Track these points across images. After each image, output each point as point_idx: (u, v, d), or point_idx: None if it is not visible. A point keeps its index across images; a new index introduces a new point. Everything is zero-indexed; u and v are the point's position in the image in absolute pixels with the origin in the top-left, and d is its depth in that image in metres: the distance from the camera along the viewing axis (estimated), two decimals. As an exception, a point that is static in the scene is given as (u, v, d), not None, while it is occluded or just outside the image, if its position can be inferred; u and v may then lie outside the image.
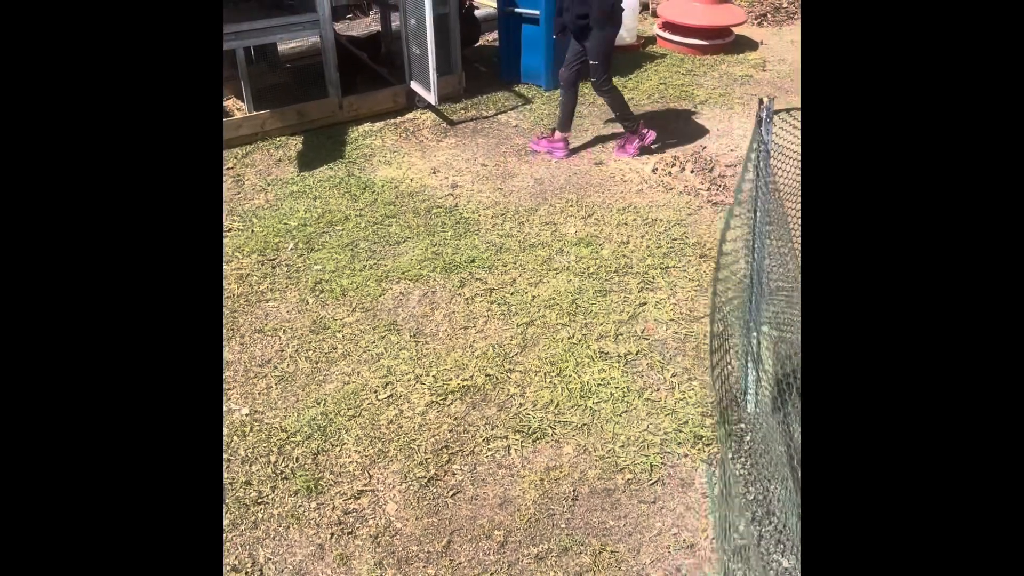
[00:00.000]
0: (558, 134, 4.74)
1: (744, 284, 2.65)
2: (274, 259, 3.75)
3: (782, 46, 6.87)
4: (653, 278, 3.51)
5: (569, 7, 4.36)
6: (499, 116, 5.42)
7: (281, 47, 6.29)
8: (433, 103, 5.15)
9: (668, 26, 6.70)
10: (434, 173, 4.59)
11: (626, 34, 6.59)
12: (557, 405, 2.78)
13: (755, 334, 2.59)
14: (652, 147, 4.75)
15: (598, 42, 4.37)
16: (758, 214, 2.42)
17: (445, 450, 2.62)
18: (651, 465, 2.53)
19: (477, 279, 3.55)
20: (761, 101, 2.26)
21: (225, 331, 3.22)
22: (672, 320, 3.22)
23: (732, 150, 4.79)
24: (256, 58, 5.92)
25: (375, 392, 2.88)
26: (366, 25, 7.61)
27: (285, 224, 4.04)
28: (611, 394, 2.81)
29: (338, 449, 2.64)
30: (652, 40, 6.88)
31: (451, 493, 2.47)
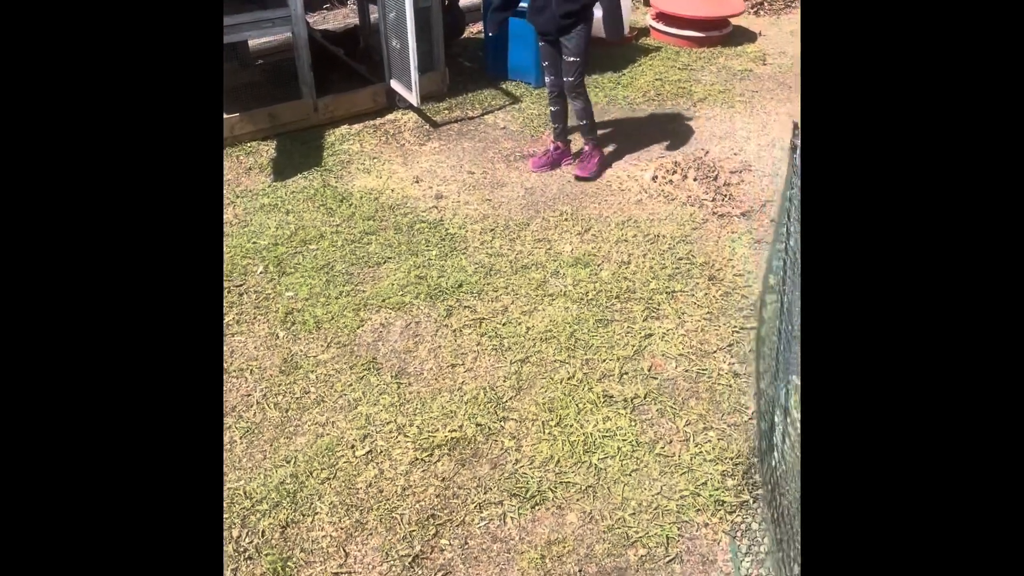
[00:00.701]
0: (555, 143, 4.40)
1: (772, 327, 2.34)
2: (241, 285, 3.40)
3: (782, 37, 6.54)
4: (658, 304, 3.19)
5: (544, 5, 3.96)
6: (485, 116, 5.07)
7: (252, 42, 5.91)
8: (415, 104, 4.80)
9: (662, 17, 6.36)
10: (417, 182, 4.25)
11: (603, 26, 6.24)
12: (558, 462, 2.47)
13: (783, 384, 2.29)
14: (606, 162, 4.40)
15: (582, 39, 4.01)
16: (789, 252, 2.11)
17: (432, 520, 2.30)
18: (667, 537, 2.22)
19: (465, 307, 3.22)
20: (796, 125, 1.94)
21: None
22: (682, 355, 2.91)
23: (736, 154, 4.47)
24: (226, 56, 5.53)
25: (352, 447, 2.56)
26: (343, 17, 7.22)
27: (255, 243, 3.69)
28: (618, 448, 2.50)
29: (310, 520, 2.32)
30: (645, 32, 6.54)
31: (440, 575, 2.16)
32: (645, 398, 2.71)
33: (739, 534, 2.21)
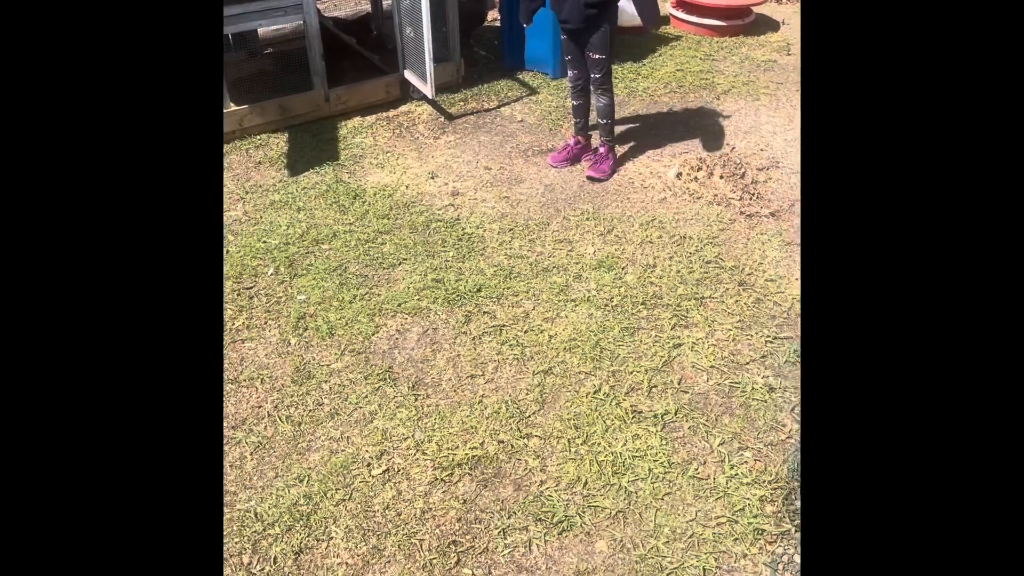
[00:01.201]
0: (575, 137, 4.23)
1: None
2: (252, 287, 3.27)
3: (805, 26, 6.34)
4: (687, 312, 3.05)
5: None
6: (502, 109, 4.92)
7: (261, 30, 5.75)
8: (429, 95, 4.65)
9: (683, 5, 6.18)
10: (432, 178, 4.10)
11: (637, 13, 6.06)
12: (585, 484, 2.34)
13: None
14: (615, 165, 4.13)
15: (607, 34, 3.82)
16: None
17: (453, 547, 2.18)
18: (703, 569, 2.09)
19: (484, 312, 3.09)
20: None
21: (193, 381, 2.76)
22: (713, 367, 2.77)
23: (762, 150, 4.31)
24: (235, 45, 5.38)
25: (368, 465, 2.43)
26: (354, 3, 7.05)
27: (265, 243, 3.56)
28: (649, 470, 2.37)
29: (325, 545, 2.19)
30: (665, 20, 6.35)
31: (462, 608, 2.04)
32: (676, 414, 2.57)
33: (781, 567, 2.08)
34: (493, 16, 6.17)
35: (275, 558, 2.16)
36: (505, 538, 2.20)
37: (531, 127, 4.66)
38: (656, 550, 2.15)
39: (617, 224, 3.65)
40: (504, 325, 3.01)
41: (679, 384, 2.70)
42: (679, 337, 2.92)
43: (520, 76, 5.34)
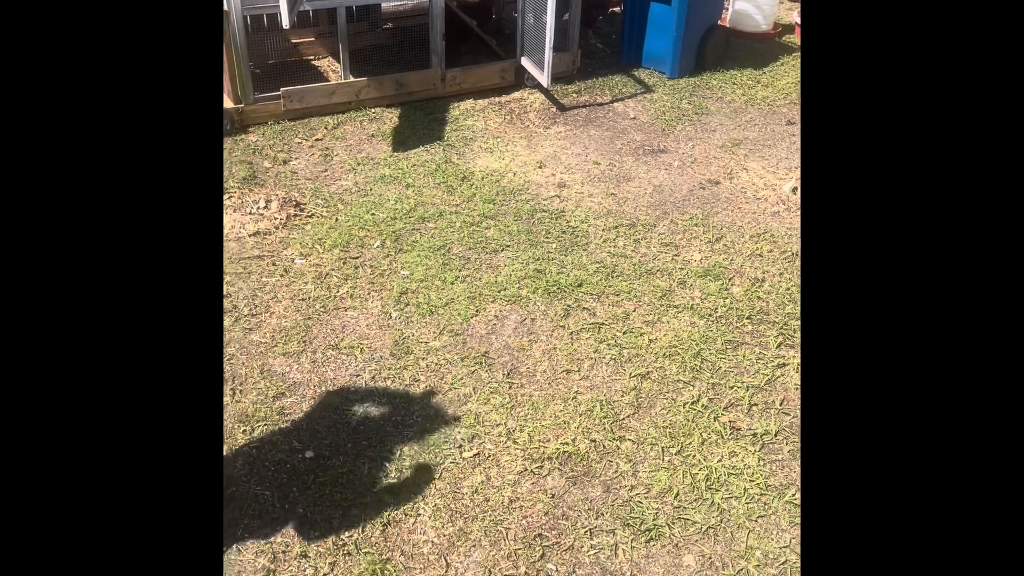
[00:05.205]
0: None
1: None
2: (358, 257, 3.33)
3: (938, 47, 6.07)
4: (793, 331, 2.96)
5: None
6: (615, 104, 4.86)
7: (384, 4, 5.82)
8: (545, 85, 4.63)
9: (810, 14, 5.97)
10: (540, 168, 4.09)
11: (762, 20, 5.92)
12: (677, 495, 2.29)
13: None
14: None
15: None
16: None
17: (539, 540, 2.16)
18: (794, 599, 2.03)
19: (584, 308, 3.06)
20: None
21: (296, 343, 2.82)
22: (817, 392, 2.68)
23: (884, 172, 4.14)
24: (357, 17, 5.46)
25: (459, 447, 2.44)
26: (475, -15, 7.06)
27: (373, 215, 3.61)
28: (745, 489, 2.31)
29: (412, 521, 2.21)
30: (790, 29, 6.17)
31: (544, 603, 2.02)
32: (776, 436, 2.50)
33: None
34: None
35: (363, 527, 2.18)
36: (592, 539, 2.17)
37: (644, 125, 4.59)
38: (746, 572, 2.09)
39: (727, 233, 3.57)
40: (603, 323, 2.98)
41: (781, 405, 2.62)
42: (784, 357, 2.83)
43: (636, 72, 5.27)
